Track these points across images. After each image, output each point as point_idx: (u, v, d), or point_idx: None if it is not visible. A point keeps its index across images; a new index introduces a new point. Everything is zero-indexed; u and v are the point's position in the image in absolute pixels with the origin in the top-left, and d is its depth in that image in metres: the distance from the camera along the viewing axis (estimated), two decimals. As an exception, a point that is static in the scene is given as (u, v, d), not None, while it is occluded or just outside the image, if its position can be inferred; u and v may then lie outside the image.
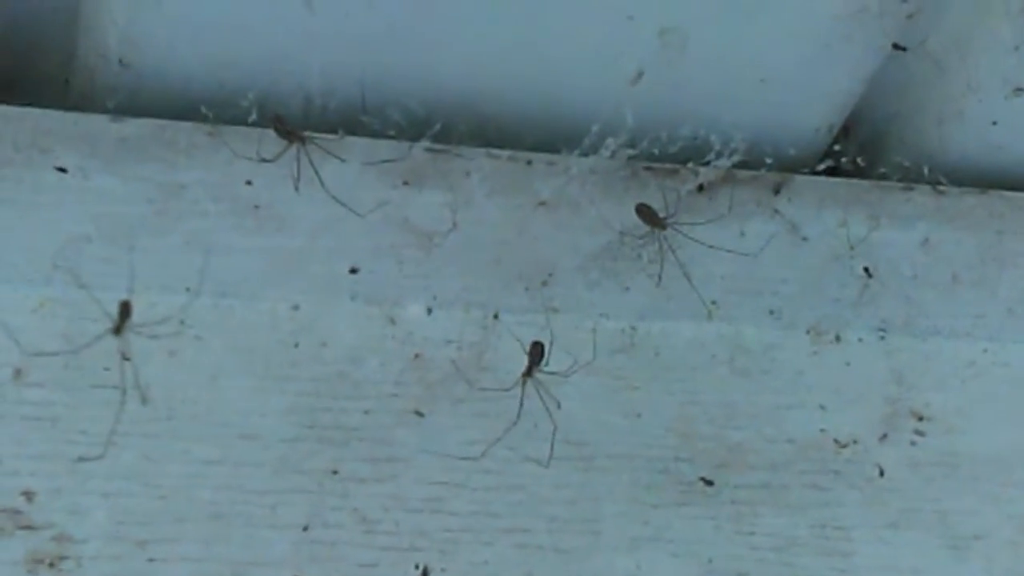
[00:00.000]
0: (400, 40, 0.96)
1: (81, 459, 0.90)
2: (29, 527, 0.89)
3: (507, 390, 0.95)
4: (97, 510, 0.90)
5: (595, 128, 1.01)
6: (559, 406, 0.97)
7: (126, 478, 0.91)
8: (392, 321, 1.01)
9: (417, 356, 1.00)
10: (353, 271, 1.00)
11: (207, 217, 0.98)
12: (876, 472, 1.06)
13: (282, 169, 0.99)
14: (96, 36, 0.97)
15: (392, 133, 1.00)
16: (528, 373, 0.94)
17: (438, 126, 0.99)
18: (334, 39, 0.95)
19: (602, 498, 0.99)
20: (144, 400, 0.91)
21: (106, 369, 0.94)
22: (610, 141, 1.01)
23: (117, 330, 0.90)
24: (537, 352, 0.95)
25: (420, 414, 0.98)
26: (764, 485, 1.03)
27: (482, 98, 1.00)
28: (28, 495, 0.89)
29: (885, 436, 1.08)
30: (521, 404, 0.94)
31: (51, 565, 0.88)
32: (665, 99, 1.03)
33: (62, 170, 0.96)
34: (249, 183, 0.99)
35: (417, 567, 0.93)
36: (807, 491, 1.04)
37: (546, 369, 0.95)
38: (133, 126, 0.96)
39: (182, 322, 0.97)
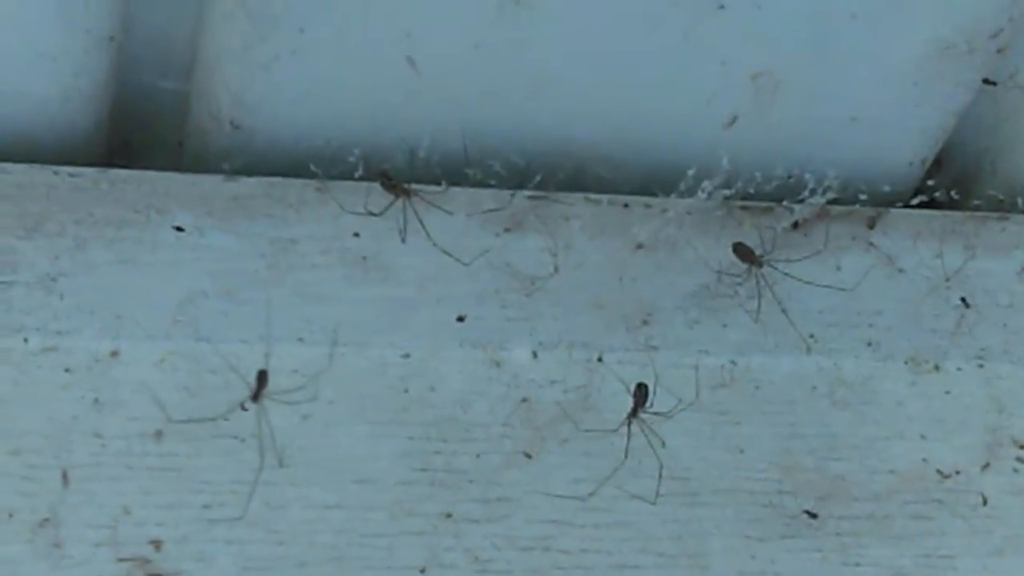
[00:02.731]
0: (499, 94, 1.00)
1: (206, 507, 0.94)
2: (158, 575, 0.92)
3: (613, 431, 0.97)
4: (222, 557, 0.93)
5: (691, 172, 1.04)
6: (664, 444, 0.99)
7: (249, 525, 0.94)
8: (498, 364, 1.04)
9: (524, 399, 1.03)
10: (460, 318, 1.03)
11: (317, 269, 1.02)
12: (980, 500, 1.07)
13: (388, 222, 1.02)
14: (208, 101, 1.01)
15: (493, 183, 1.03)
16: (633, 414, 0.96)
17: (539, 176, 1.02)
18: (437, 96, 0.99)
19: (708, 533, 1.01)
20: (281, 463, 0.95)
21: (226, 420, 0.97)
22: (706, 184, 1.04)
23: (255, 397, 0.95)
24: (641, 393, 0.97)
25: (528, 456, 1.01)
26: (868, 516, 1.04)
27: (580, 146, 1.03)
28: (156, 544, 0.93)
29: (988, 464, 1.09)
30: (628, 444, 0.97)
31: (181, 611, 0.92)
32: (759, 141, 1.05)
33: (179, 229, 1.00)
34: (356, 235, 1.02)
35: (531, 605, 0.96)
36: (911, 521, 1.05)
37: (650, 409, 0.98)
38: (245, 185, 1.00)
39: (295, 371, 1.01)
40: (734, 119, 1.04)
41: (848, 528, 1.03)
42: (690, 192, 1.05)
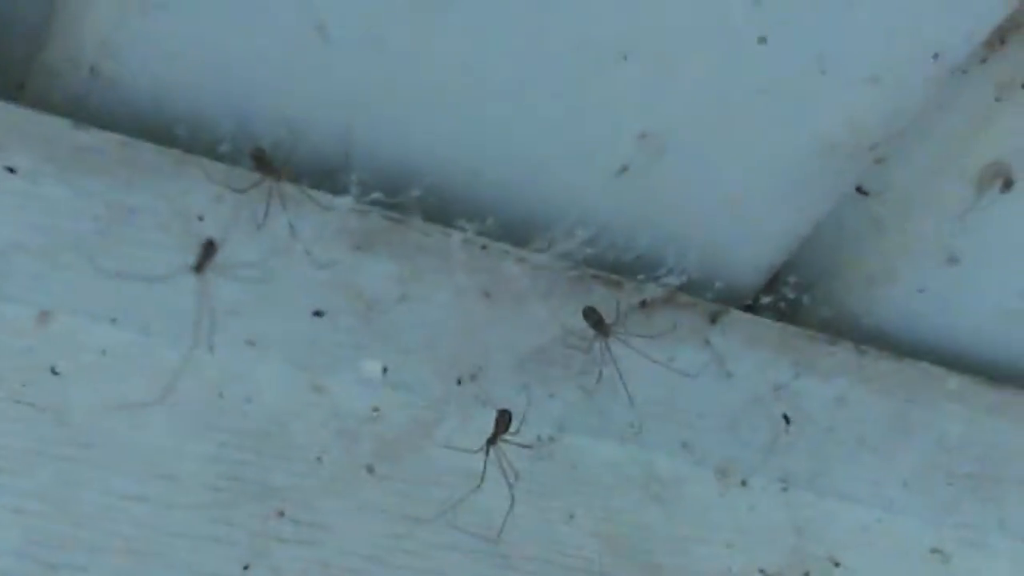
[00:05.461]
0: (395, 98, 0.94)
1: (-7, 472, 0.83)
2: (-68, 532, 0.81)
3: (474, 452, 0.91)
4: (8, 526, 0.83)
5: (561, 224, 1.00)
6: (518, 476, 0.93)
7: (41, 498, 0.84)
8: (318, 386, 0.97)
9: (340, 430, 0.96)
10: (288, 328, 0.96)
11: (149, 247, 0.93)
12: (778, 617, 1.05)
13: (235, 210, 0.94)
14: (69, 39, 0.92)
15: (355, 192, 0.96)
16: (492, 440, 0.90)
17: (412, 192, 0.96)
18: (331, 81, 0.92)
19: (519, 599, 0.95)
20: (212, 349, 0.84)
21: (23, 385, 0.88)
22: (575, 236, 1.00)
23: (199, 268, 0.85)
24: (504, 420, 0.91)
25: (338, 489, 0.93)
26: (677, 613, 1.01)
27: (461, 171, 0.98)
28: (-66, 501, 0.82)
29: (786, 583, 1.07)
30: (484, 472, 0.90)
31: (-44, 575, 0.80)
32: (631, 204, 1.02)
33: (11, 170, 0.90)
34: (200, 219, 0.94)
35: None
36: (716, 626, 1.02)
37: (508, 438, 0.92)
38: (96, 137, 0.91)
39: (104, 352, 0.91)
40: (619, 172, 1.00)
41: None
42: (552, 243, 1.00)
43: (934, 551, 1.14)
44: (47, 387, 0.88)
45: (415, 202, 0.96)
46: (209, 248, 0.87)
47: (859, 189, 1.05)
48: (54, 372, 0.87)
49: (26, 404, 0.87)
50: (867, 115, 1.00)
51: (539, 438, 1.02)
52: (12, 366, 0.88)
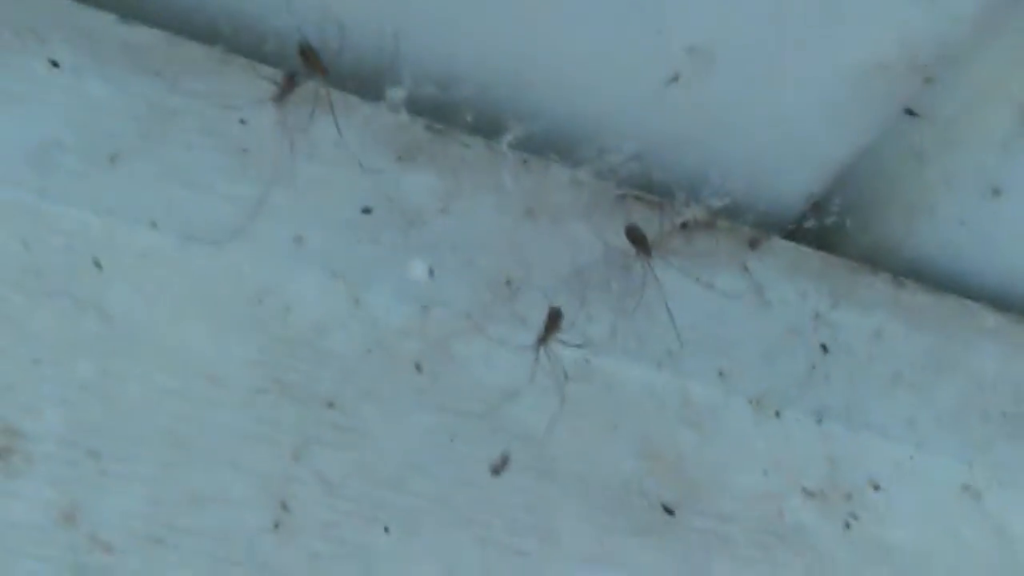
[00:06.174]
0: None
1: (35, 361, 0.82)
2: (-23, 415, 0.80)
3: (528, 347, 0.89)
4: (51, 413, 0.82)
5: (616, 128, 0.98)
6: (567, 377, 0.92)
7: (83, 388, 0.83)
8: (357, 295, 0.95)
9: (374, 337, 0.95)
10: (325, 237, 0.94)
11: (191, 150, 0.92)
12: (811, 546, 1.04)
13: (280, 115, 0.93)
14: (115, -64, 0.91)
15: (402, 94, 0.95)
16: (543, 340, 0.89)
17: (461, 92, 0.95)
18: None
19: (560, 511, 0.94)
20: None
21: (64, 281, 0.87)
22: (629, 145, 0.98)
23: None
24: (555, 319, 0.90)
25: (379, 397, 0.92)
26: (713, 531, 0.99)
27: (509, 77, 0.97)
28: (-23, 386, 0.81)
29: (821, 513, 1.06)
30: (534, 371, 0.89)
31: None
32: (679, 120, 1.00)
33: (54, 64, 0.89)
34: (243, 122, 0.93)
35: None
36: (753, 548, 1.01)
37: (559, 338, 0.90)
38: (141, 33, 0.90)
39: (143, 255, 0.90)
40: (666, 84, 0.99)
41: (697, 540, 0.98)
42: (601, 153, 0.99)
43: (965, 488, 1.12)
44: (88, 284, 0.87)
45: (463, 103, 0.94)
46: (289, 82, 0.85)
47: (909, 111, 1.03)
48: (96, 265, 0.86)
49: (68, 297, 0.86)
50: (919, 34, 0.98)
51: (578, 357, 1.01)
52: (52, 262, 0.87)
